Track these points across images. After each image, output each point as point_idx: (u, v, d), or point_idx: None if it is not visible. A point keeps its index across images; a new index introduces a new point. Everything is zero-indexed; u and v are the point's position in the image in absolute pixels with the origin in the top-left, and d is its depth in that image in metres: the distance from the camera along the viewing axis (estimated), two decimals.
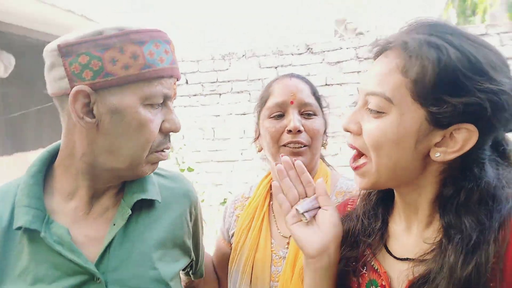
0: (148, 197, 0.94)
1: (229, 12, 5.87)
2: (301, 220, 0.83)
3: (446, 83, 0.64)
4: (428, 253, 0.70)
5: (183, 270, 1.09)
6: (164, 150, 0.91)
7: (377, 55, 0.75)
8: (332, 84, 4.30)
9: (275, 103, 1.18)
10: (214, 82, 4.68)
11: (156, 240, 0.94)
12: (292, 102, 1.16)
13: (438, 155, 0.69)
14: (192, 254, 1.07)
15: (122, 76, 0.80)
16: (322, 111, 1.24)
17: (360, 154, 0.76)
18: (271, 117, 1.19)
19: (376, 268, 0.79)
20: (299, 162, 0.89)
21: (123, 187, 0.96)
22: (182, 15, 5.00)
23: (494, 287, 0.64)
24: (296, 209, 0.83)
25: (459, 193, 0.69)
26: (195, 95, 4.73)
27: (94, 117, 0.82)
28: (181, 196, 1.04)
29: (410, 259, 0.73)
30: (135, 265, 0.89)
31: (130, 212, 0.90)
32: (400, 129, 0.68)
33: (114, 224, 0.89)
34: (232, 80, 4.61)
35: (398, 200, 0.80)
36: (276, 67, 4.47)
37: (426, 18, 0.72)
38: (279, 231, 1.22)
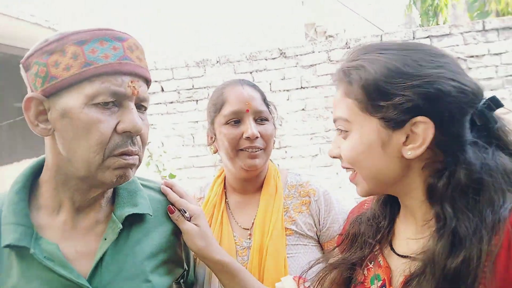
0: (139, 212, 0.92)
1: (202, 20, 5.90)
2: None
3: (375, 93, 0.75)
4: (423, 249, 0.74)
5: (175, 280, 1.08)
6: (126, 154, 0.83)
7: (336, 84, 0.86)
8: (307, 87, 4.39)
9: (231, 111, 1.24)
10: (190, 89, 4.68)
11: (148, 253, 0.93)
12: (247, 110, 1.24)
13: (409, 153, 0.74)
14: (185, 264, 1.07)
15: (65, 77, 0.78)
16: (272, 116, 1.33)
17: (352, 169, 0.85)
18: (227, 124, 1.25)
19: (381, 263, 0.84)
20: (162, 187, 1.07)
21: (113, 199, 0.94)
22: (155, 24, 4.99)
23: None
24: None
25: (439, 181, 0.73)
26: (171, 103, 4.71)
27: (50, 124, 0.82)
28: None
29: (409, 256, 0.78)
30: (128, 278, 0.88)
31: (121, 226, 0.88)
32: (364, 141, 0.78)
33: (105, 239, 0.87)
34: (208, 86, 4.63)
35: (400, 202, 0.86)
36: (251, 72, 4.53)
37: (360, 44, 0.84)
38: (239, 224, 1.31)
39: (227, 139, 1.24)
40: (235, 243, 1.27)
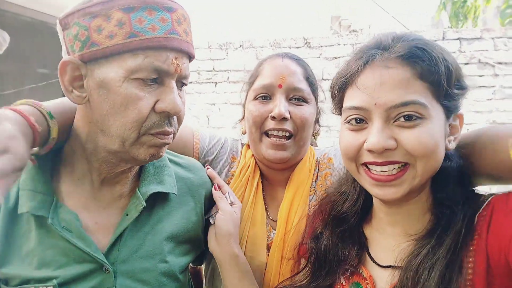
0: (165, 190, 0.89)
1: (227, 2, 5.85)
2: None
3: (455, 79, 0.73)
4: (409, 258, 0.73)
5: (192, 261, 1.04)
6: (163, 133, 0.80)
7: (362, 66, 0.75)
8: (329, 79, 4.34)
9: (262, 85, 1.08)
10: (210, 70, 4.67)
11: (169, 232, 0.90)
12: (280, 86, 1.05)
13: (451, 144, 0.75)
14: (203, 245, 1.04)
15: (107, 46, 0.72)
16: (316, 98, 1.13)
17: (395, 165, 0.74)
18: (256, 99, 1.09)
19: (361, 272, 0.81)
20: (209, 170, 1.04)
21: (139, 174, 0.91)
22: (182, 2, 4.97)
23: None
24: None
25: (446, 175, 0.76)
26: (190, 83, 4.71)
27: (85, 91, 0.77)
28: (196, 187, 1.00)
29: (393, 266, 0.76)
30: (146, 257, 0.86)
31: (144, 204, 0.85)
32: (438, 129, 0.72)
33: (127, 215, 0.85)
34: (229, 69, 4.61)
35: (385, 210, 0.81)
36: None
37: (390, 31, 0.78)
38: (268, 213, 1.16)
39: (252, 116, 1.08)
40: (266, 232, 1.12)
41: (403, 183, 0.71)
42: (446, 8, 8.27)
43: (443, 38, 4.08)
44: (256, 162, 1.17)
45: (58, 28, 0.78)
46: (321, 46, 4.37)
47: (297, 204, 1.09)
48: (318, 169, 1.16)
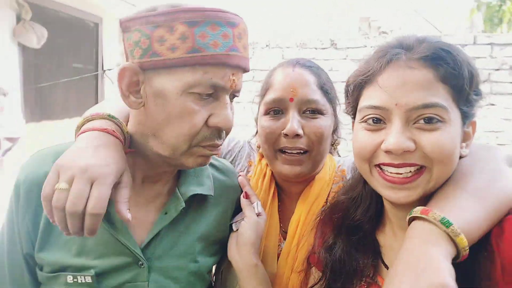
0: (204, 192, 0.91)
1: (254, 1, 5.90)
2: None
3: (475, 84, 0.71)
4: None
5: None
6: (213, 146, 0.81)
7: (385, 65, 0.73)
8: None
9: (273, 99, 1.00)
10: None
11: (201, 233, 0.92)
12: (291, 100, 0.98)
13: (464, 151, 0.74)
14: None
15: (168, 58, 0.73)
16: (333, 107, 1.05)
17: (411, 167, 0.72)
18: (267, 114, 1.02)
19: (377, 281, 0.80)
20: (240, 178, 1.02)
21: (179, 175, 0.92)
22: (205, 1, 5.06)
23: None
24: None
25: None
26: None
27: (141, 97, 0.78)
28: (230, 191, 1.01)
29: None
30: (179, 256, 0.87)
31: (183, 205, 0.86)
32: (456, 134, 0.70)
33: (165, 213, 0.86)
34: (254, 69, 4.66)
35: (397, 215, 0.80)
36: None
37: (412, 34, 0.76)
38: (281, 224, 1.11)
39: (264, 133, 1.01)
40: (277, 243, 1.09)
41: (417, 187, 0.70)
42: (480, 11, 8.03)
43: (474, 42, 3.99)
44: (272, 173, 1.13)
45: (119, 29, 0.79)
46: (348, 48, 4.36)
47: (310, 218, 1.03)
48: (333, 181, 1.12)
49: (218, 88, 0.77)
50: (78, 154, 0.72)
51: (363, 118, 0.74)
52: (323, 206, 1.05)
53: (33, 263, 0.82)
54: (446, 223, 0.62)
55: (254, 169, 1.16)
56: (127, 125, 0.85)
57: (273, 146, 1.01)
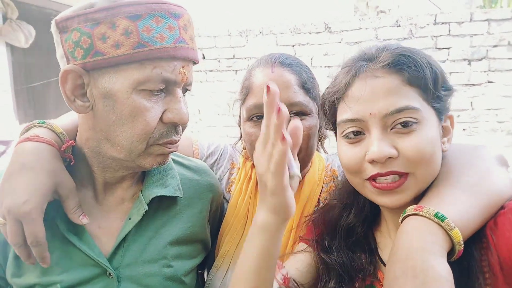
0: (168, 194, 0.87)
1: None
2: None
3: (441, 81, 0.74)
4: None
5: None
6: (170, 143, 0.79)
7: (352, 79, 0.74)
8: None
9: (254, 105, 0.96)
10: (230, 58, 4.68)
11: (174, 236, 0.88)
12: None
13: (445, 146, 0.76)
14: (210, 247, 1.03)
15: (113, 56, 0.69)
16: (317, 104, 1.01)
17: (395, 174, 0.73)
18: (250, 120, 0.98)
19: (377, 276, 0.81)
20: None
21: (143, 178, 0.89)
22: None
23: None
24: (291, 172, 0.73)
25: None
26: (211, 71, 4.74)
27: (88, 100, 0.74)
28: (204, 190, 0.98)
29: None
30: (149, 262, 0.84)
31: (146, 208, 0.83)
32: (433, 134, 0.72)
33: (129, 219, 0.83)
34: (249, 57, 4.60)
35: (390, 215, 0.81)
36: (293, 45, 4.44)
37: (369, 45, 0.79)
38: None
39: (249, 140, 0.98)
40: None
41: (407, 190, 0.71)
42: None
43: (471, 19, 3.90)
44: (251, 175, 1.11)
45: (54, 30, 0.74)
46: (342, 31, 4.27)
47: (302, 221, 1.01)
48: (323, 181, 1.10)
49: (169, 83, 0.75)
50: (2, 187, 0.71)
51: (343, 133, 0.76)
52: (315, 207, 1.03)
53: (5, 284, 0.82)
54: (440, 217, 0.63)
55: (239, 173, 1.14)
56: (77, 132, 0.82)
57: None
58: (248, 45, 4.60)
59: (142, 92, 0.72)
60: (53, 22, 0.74)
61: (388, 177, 0.71)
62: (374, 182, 0.73)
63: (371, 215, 0.87)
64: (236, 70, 4.67)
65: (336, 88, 0.77)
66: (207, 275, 1.09)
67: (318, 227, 0.93)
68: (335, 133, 0.84)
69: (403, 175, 0.71)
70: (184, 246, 0.91)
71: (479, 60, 3.91)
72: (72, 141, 0.81)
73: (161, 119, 0.75)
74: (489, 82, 3.93)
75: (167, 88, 0.75)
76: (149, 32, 0.70)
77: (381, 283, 0.79)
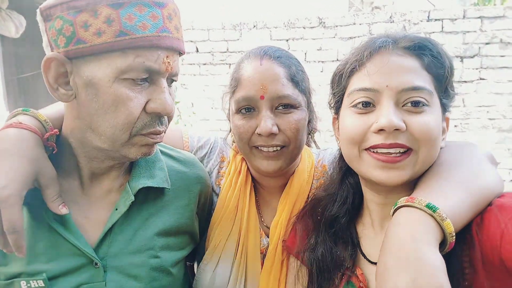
0: (155, 185, 0.87)
1: None
2: None
3: (451, 76, 0.75)
4: None
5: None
6: (154, 133, 0.79)
7: (374, 52, 0.75)
8: None
9: (242, 97, 0.96)
10: (224, 52, 4.65)
11: (161, 227, 0.89)
12: (262, 97, 0.94)
13: (442, 144, 0.77)
14: (198, 239, 1.03)
15: (95, 44, 0.69)
16: (306, 97, 1.02)
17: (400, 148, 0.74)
18: (239, 113, 0.99)
19: (355, 273, 0.82)
20: None
21: (131, 168, 0.89)
22: None
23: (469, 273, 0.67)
24: None
25: None
26: (205, 64, 4.71)
27: (71, 89, 0.74)
28: (192, 182, 0.98)
29: None
30: (136, 252, 0.84)
31: (133, 199, 0.83)
32: (439, 120, 0.74)
33: (116, 209, 0.83)
34: (243, 50, 4.58)
35: (378, 200, 0.81)
36: (287, 40, 4.43)
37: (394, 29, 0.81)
38: (263, 219, 1.12)
39: (238, 132, 0.99)
40: (259, 239, 1.08)
41: (406, 167, 0.72)
42: None
43: (464, 16, 3.91)
44: (248, 168, 1.12)
45: (39, 18, 0.74)
46: (336, 26, 4.27)
47: (293, 218, 1.02)
48: (314, 177, 1.11)
49: (153, 72, 0.74)
50: None
51: (352, 102, 0.77)
52: (305, 203, 1.04)
53: None
54: (432, 208, 0.64)
55: (229, 167, 1.14)
56: (63, 122, 0.82)
57: (248, 144, 0.99)
58: (242, 38, 4.58)
59: (125, 81, 0.72)
60: (38, 10, 0.74)
61: (391, 151, 0.72)
62: (374, 153, 0.73)
63: (353, 207, 0.88)
64: (230, 64, 4.64)
65: (355, 58, 0.78)
66: (197, 268, 1.10)
67: (307, 224, 0.94)
68: (336, 109, 0.84)
69: (406, 151, 0.72)
70: (172, 237, 0.91)
71: (472, 57, 3.93)
72: (56, 130, 0.81)
73: (144, 109, 0.75)
74: (481, 79, 3.96)
75: (151, 77, 0.75)
76: (132, 21, 0.70)
77: (359, 279, 0.80)
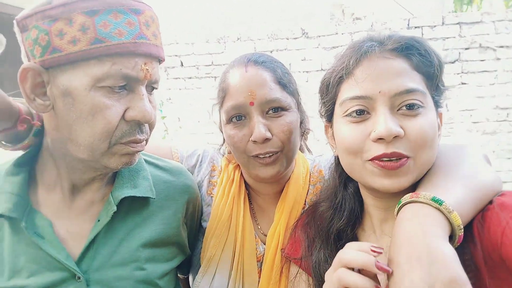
0: (138, 194, 0.85)
1: None
2: None
3: (441, 74, 0.75)
4: None
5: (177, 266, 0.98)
6: (134, 142, 0.77)
7: (360, 58, 0.74)
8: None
9: (232, 106, 0.96)
10: (209, 65, 4.66)
11: (147, 238, 0.86)
12: (251, 103, 0.94)
13: (439, 140, 0.77)
14: (188, 250, 1.01)
15: (70, 52, 0.68)
16: (295, 99, 1.02)
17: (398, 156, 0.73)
18: (230, 122, 0.98)
19: None
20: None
21: (114, 179, 0.87)
22: None
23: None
24: None
25: None
26: (190, 78, 4.71)
27: (48, 99, 0.73)
28: (179, 192, 0.96)
29: None
30: (120, 265, 0.82)
31: (115, 209, 0.81)
32: (434, 120, 0.73)
33: (98, 220, 0.81)
34: (228, 63, 4.59)
35: (379, 205, 0.80)
36: (271, 51, 4.46)
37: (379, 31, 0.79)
38: (259, 227, 1.11)
39: (232, 142, 0.98)
40: (255, 247, 1.07)
41: (407, 173, 0.71)
42: None
43: (443, 23, 4.00)
44: (241, 175, 1.11)
45: (16, 30, 0.74)
46: (319, 36, 4.32)
47: (290, 224, 1.01)
48: (310, 182, 1.10)
49: (131, 79, 0.73)
50: None
51: (346, 112, 0.74)
52: (302, 209, 1.03)
53: None
54: (438, 201, 0.62)
55: (221, 176, 1.12)
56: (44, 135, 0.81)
57: (245, 153, 0.98)
58: (227, 51, 4.60)
59: (102, 89, 0.71)
60: (14, 21, 0.73)
61: (392, 159, 0.71)
62: (378, 161, 0.71)
63: (353, 215, 0.86)
64: (215, 77, 4.65)
65: (342, 66, 0.76)
66: (193, 282, 1.07)
67: (308, 231, 0.91)
68: (328, 117, 0.82)
69: (403, 158, 0.70)
70: (158, 248, 0.88)
71: (452, 62, 4.01)
72: (38, 122, 0.81)
73: (123, 117, 0.74)
74: (462, 83, 4.03)
75: (129, 85, 0.74)
76: (107, 28, 0.69)
77: None
